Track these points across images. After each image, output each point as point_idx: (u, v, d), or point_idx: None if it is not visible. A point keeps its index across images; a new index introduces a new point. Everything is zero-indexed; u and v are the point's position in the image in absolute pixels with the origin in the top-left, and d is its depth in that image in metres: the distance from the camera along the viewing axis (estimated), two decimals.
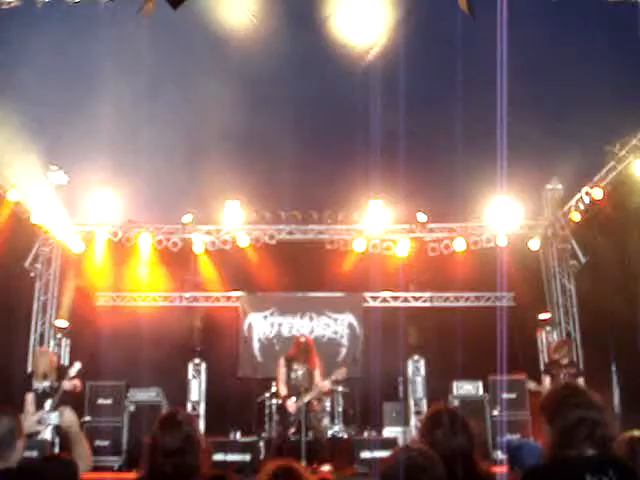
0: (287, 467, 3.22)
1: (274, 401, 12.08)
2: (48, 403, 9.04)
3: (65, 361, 13.21)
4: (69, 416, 4.64)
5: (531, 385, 11.56)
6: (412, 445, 3.68)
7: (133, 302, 14.45)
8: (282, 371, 10.50)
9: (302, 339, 10.88)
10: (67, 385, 9.23)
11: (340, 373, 10.72)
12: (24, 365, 12.32)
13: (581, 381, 10.72)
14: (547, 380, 11.07)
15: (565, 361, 11.12)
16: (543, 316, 14.33)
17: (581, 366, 12.14)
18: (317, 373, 10.49)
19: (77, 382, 9.42)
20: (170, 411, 4.07)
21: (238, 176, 11.79)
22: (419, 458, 3.04)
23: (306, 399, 10.11)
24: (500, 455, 11.03)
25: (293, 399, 10.17)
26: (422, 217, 14.17)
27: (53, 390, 9.25)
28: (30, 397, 9.30)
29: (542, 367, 13.00)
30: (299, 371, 10.35)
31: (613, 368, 11.84)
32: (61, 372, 9.47)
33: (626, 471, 3.15)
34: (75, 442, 4.38)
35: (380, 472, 3.07)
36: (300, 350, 10.54)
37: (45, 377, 9.46)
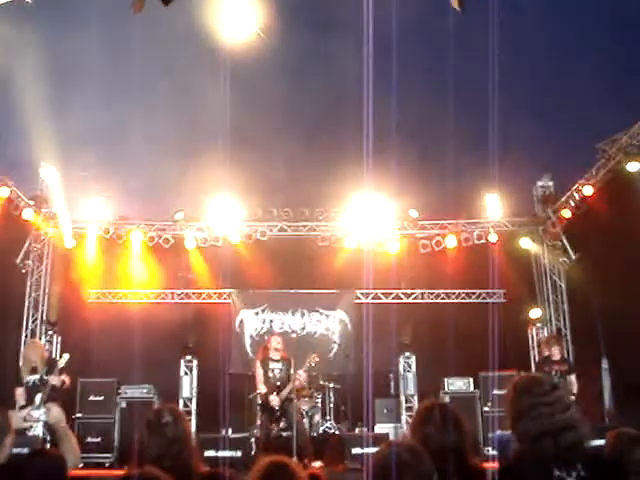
0: (280, 463, 3.21)
1: (259, 400, 12.12)
2: (38, 397, 9.03)
3: (56, 357, 13.19)
4: (56, 412, 4.64)
5: None
6: (399, 441, 3.67)
7: (125, 299, 14.42)
8: (259, 372, 10.58)
9: (277, 337, 11.02)
10: (55, 380, 9.22)
11: (312, 359, 10.91)
12: (16, 361, 12.28)
13: (573, 377, 10.76)
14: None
15: (557, 357, 11.16)
16: (534, 312, 14.36)
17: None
18: (292, 363, 10.58)
19: (65, 377, 9.42)
20: (156, 411, 3.98)
21: (230, 173, 11.78)
22: (405, 454, 3.02)
23: (285, 392, 10.17)
24: (491, 451, 11.09)
25: (274, 395, 10.23)
26: (413, 214, 14.19)
27: (42, 383, 9.24)
28: (20, 391, 9.30)
29: (534, 364, 13.02)
30: (276, 369, 10.44)
31: (604, 364, 11.91)
32: (51, 365, 9.47)
33: (596, 465, 3.14)
34: (62, 438, 4.38)
35: (367, 467, 3.07)
36: (274, 346, 10.62)
37: (35, 370, 9.45)
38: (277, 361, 10.55)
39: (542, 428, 3.16)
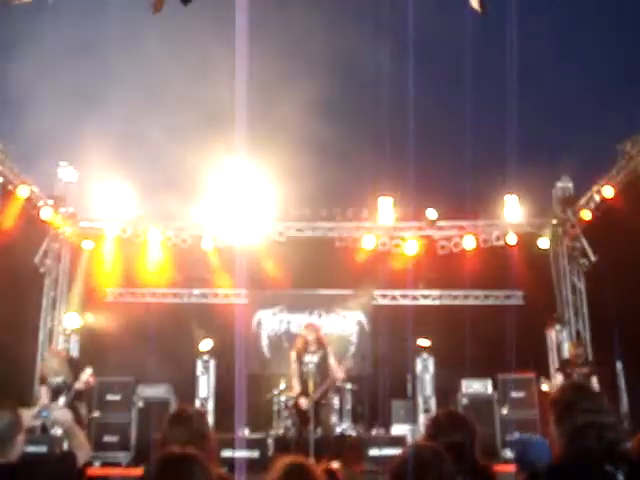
0: (299, 464, 3.20)
1: (283, 398, 12.11)
2: (62, 399, 9.10)
3: (74, 356, 13.24)
4: (57, 414, 4.63)
5: (545, 386, 11.50)
6: (421, 442, 3.71)
7: (142, 298, 14.48)
8: (294, 367, 10.53)
9: (308, 327, 10.91)
10: (79, 385, 9.30)
11: (348, 363, 11.07)
12: (34, 360, 12.37)
13: (595, 380, 10.65)
14: (559, 378, 11.00)
15: (580, 360, 11.08)
16: (553, 315, 14.26)
17: None
18: (330, 350, 10.53)
19: (91, 378, 9.51)
20: (181, 407, 4.08)
21: (249, 173, 11.80)
22: (426, 454, 3.05)
23: (316, 395, 10.12)
24: (509, 453, 11.04)
25: (304, 399, 10.20)
26: (432, 215, 14.13)
27: (66, 386, 9.30)
28: (44, 390, 9.38)
29: (556, 365, 12.91)
30: (310, 364, 10.34)
31: (618, 366, 11.83)
32: (72, 366, 9.54)
33: (637, 467, 3.17)
34: (70, 436, 4.38)
35: (389, 468, 3.09)
36: (308, 337, 10.54)
37: (57, 374, 9.52)
38: (313, 353, 10.43)
39: (588, 421, 3.24)
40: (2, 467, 3.74)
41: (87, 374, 9.41)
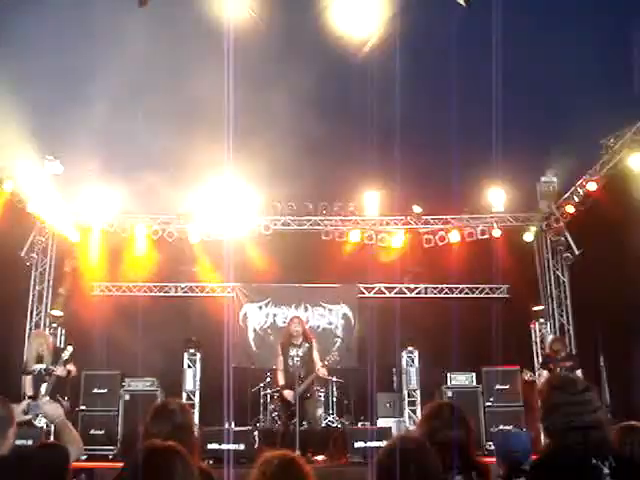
0: (288, 459, 3.20)
1: (269, 391, 12.18)
2: (43, 387, 9.09)
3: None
4: (48, 409, 4.63)
5: (527, 375, 11.58)
6: (405, 435, 3.73)
7: (129, 292, 14.48)
8: (280, 360, 10.61)
9: (293, 320, 10.99)
10: (60, 371, 9.27)
11: (332, 356, 11.08)
12: (21, 353, 12.34)
13: (579, 373, 10.73)
14: (544, 374, 11.09)
15: (562, 354, 11.16)
16: (537, 308, 14.36)
17: None
18: (315, 346, 10.65)
19: (71, 367, 9.48)
20: (163, 401, 4.10)
21: (234, 167, 11.81)
22: (410, 445, 3.09)
23: (301, 388, 10.18)
24: (492, 446, 11.12)
25: (289, 391, 10.27)
26: (417, 209, 14.21)
27: (48, 373, 9.30)
28: (28, 380, 9.37)
29: (539, 362, 13.00)
30: (295, 357, 10.43)
31: (601, 360, 11.93)
32: (57, 354, 9.53)
33: (622, 461, 3.23)
34: (61, 431, 4.40)
35: (375, 459, 3.12)
36: (293, 330, 10.62)
37: (41, 359, 9.52)
38: (298, 346, 10.54)
39: (570, 425, 3.26)
40: None
41: (68, 352, 9.37)
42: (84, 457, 10.85)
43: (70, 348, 9.48)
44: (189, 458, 2.88)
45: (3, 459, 3.79)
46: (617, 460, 3.17)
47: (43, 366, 9.44)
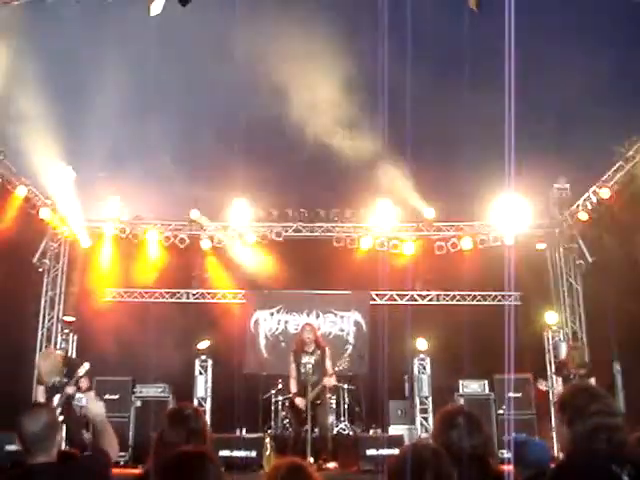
0: (297, 466, 3.19)
1: (280, 397, 12.15)
2: (56, 398, 9.06)
3: (72, 355, 13.24)
4: (93, 407, 4.52)
5: (542, 384, 11.51)
6: (420, 442, 3.68)
7: (140, 298, 14.50)
8: (292, 367, 10.57)
9: (306, 327, 10.91)
10: (70, 390, 9.17)
11: (343, 363, 11.26)
12: (32, 359, 12.36)
13: (593, 381, 10.66)
14: (559, 381, 11.03)
15: (575, 361, 11.08)
16: (550, 315, 14.28)
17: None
18: (327, 353, 10.56)
19: (83, 382, 9.42)
20: (178, 406, 4.11)
21: (246, 173, 11.81)
22: (425, 452, 3.05)
23: (311, 396, 10.14)
24: (506, 454, 11.05)
25: (300, 398, 10.23)
26: (429, 216, 14.17)
27: (62, 386, 9.27)
28: (41, 390, 9.35)
29: (553, 369, 12.91)
30: (308, 364, 10.37)
31: (616, 367, 11.84)
32: (70, 366, 9.48)
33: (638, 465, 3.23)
34: (102, 432, 4.39)
35: (387, 466, 3.08)
36: (306, 337, 10.56)
37: (51, 375, 9.48)
38: (310, 353, 10.46)
39: (597, 427, 3.30)
40: (45, 465, 3.82)
41: (85, 369, 9.33)
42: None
43: (87, 365, 9.39)
44: (220, 463, 2.88)
45: (52, 465, 3.85)
46: (635, 468, 3.17)
47: (57, 379, 9.39)
